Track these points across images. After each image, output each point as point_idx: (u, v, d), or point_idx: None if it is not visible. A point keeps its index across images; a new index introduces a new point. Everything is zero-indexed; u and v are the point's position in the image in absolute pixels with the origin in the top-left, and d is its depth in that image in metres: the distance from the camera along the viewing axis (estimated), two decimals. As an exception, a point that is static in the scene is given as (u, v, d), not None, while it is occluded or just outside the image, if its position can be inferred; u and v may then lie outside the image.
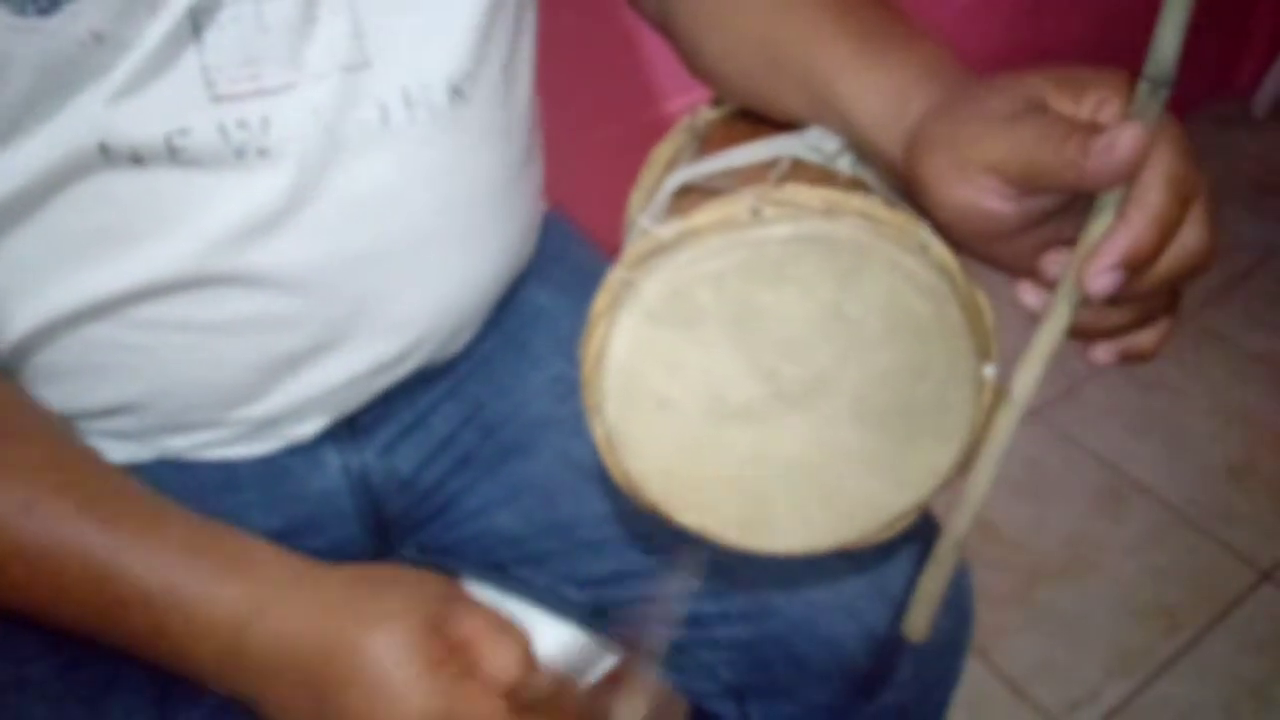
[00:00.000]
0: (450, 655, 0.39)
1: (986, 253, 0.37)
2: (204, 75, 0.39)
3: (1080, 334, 0.37)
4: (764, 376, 0.39)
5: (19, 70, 0.36)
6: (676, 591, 0.43)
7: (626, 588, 0.56)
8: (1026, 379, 0.36)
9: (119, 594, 0.40)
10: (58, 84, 0.37)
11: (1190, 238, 0.33)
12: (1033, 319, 0.36)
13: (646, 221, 0.39)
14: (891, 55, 0.40)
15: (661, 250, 0.37)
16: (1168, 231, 0.33)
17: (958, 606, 0.59)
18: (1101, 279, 0.33)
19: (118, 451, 0.49)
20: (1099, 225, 0.33)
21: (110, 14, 0.36)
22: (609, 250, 0.41)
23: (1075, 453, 1.33)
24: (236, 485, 0.52)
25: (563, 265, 0.62)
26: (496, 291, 0.55)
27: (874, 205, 0.37)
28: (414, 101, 0.44)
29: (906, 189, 0.38)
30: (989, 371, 0.39)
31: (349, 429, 0.54)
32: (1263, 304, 1.55)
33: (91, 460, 0.44)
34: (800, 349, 0.38)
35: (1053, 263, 0.35)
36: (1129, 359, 0.38)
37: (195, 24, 0.38)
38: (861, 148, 0.41)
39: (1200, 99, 1.92)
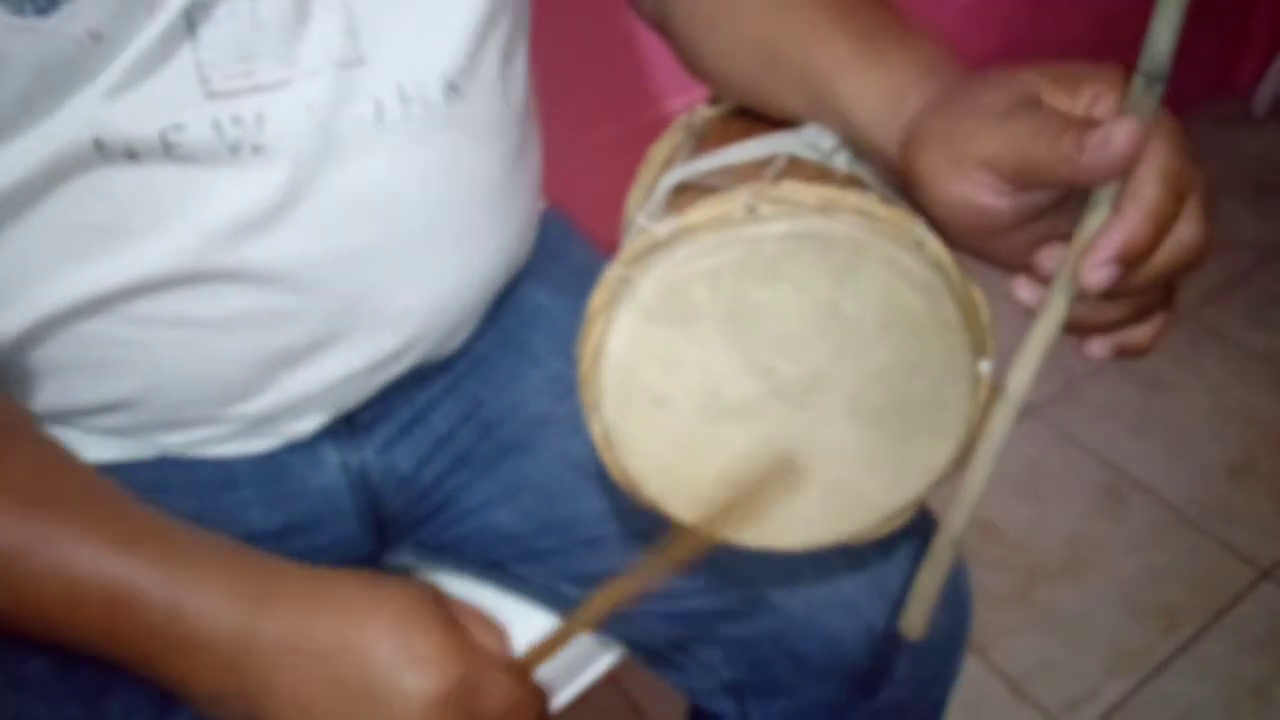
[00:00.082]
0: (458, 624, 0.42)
1: (982, 248, 0.37)
2: (199, 72, 0.39)
3: (1076, 329, 0.37)
4: (760, 374, 0.39)
5: (16, 69, 0.36)
6: (646, 571, 0.44)
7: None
8: (1022, 375, 0.36)
9: (105, 609, 0.40)
10: (54, 83, 0.37)
11: (1186, 232, 0.33)
12: (1028, 314, 0.36)
13: (643, 219, 0.39)
14: (889, 54, 0.40)
15: (658, 247, 0.37)
16: (1163, 226, 0.33)
17: (955, 604, 0.59)
18: (1097, 273, 0.33)
19: (114, 449, 0.49)
20: (1094, 220, 0.33)
21: (108, 13, 0.36)
22: (608, 249, 0.41)
23: (1075, 452, 1.33)
24: (235, 483, 0.52)
25: (561, 264, 0.62)
26: (494, 288, 0.55)
27: (870, 202, 0.37)
28: (409, 98, 0.44)
29: (903, 185, 0.38)
30: (985, 367, 0.39)
31: (347, 426, 0.54)
32: (1263, 303, 1.55)
33: (74, 471, 0.44)
34: (796, 346, 0.38)
35: (1048, 258, 0.35)
36: (1124, 354, 0.38)
37: (190, 21, 0.38)
38: (859, 145, 0.41)
39: (1200, 98, 1.92)
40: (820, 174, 0.41)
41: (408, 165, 0.45)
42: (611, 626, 0.58)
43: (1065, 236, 0.34)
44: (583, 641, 0.60)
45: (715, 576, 0.55)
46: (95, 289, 0.42)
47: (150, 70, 0.38)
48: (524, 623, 0.58)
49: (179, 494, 0.49)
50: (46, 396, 0.46)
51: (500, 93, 0.49)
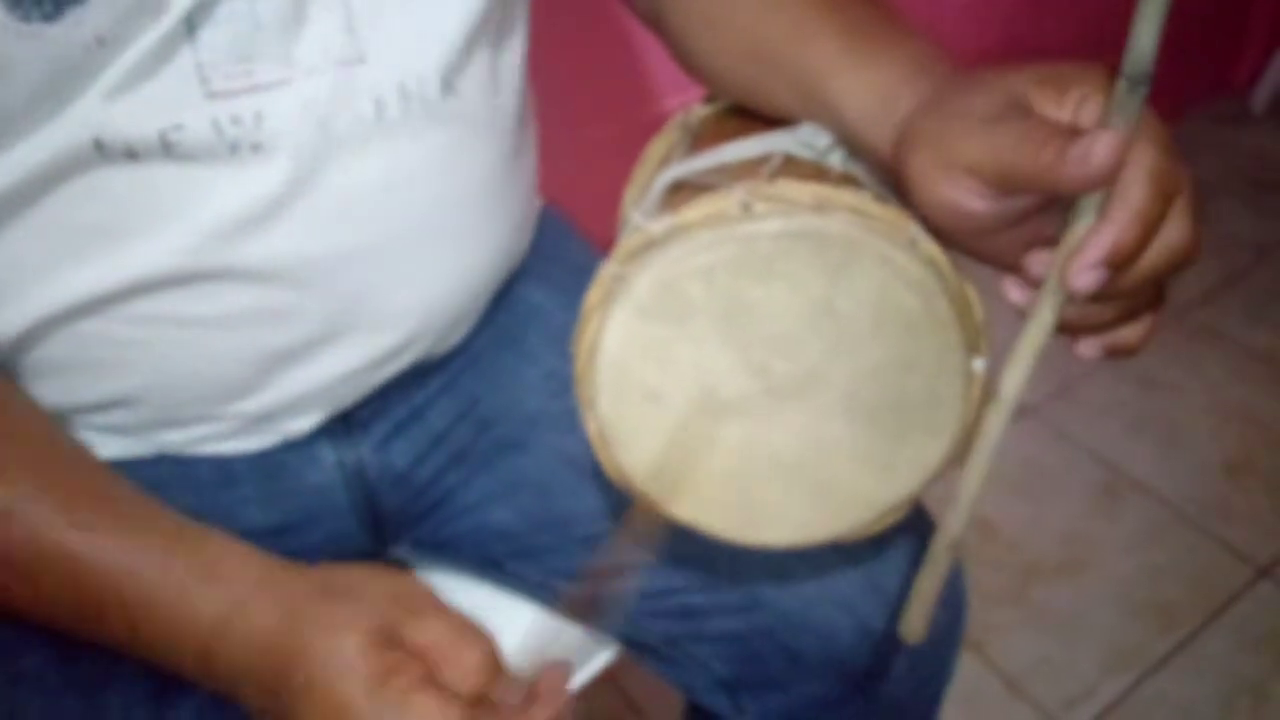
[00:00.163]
0: (403, 665, 0.37)
1: (972, 248, 0.37)
2: (199, 72, 0.39)
3: (1066, 329, 0.37)
4: (754, 371, 0.39)
5: (21, 74, 0.36)
6: (629, 559, 0.43)
7: (621, 582, 0.56)
8: (1014, 377, 0.36)
9: (96, 597, 0.40)
10: (58, 87, 0.37)
11: (1174, 233, 0.33)
12: (1022, 313, 0.36)
13: (639, 217, 0.39)
14: (882, 53, 0.40)
15: (652, 245, 0.37)
16: (1150, 227, 0.33)
17: (951, 602, 0.59)
18: (1085, 277, 0.33)
19: (114, 447, 0.50)
20: (1082, 223, 0.33)
21: (113, 18, 0.36)
22: (605, 247, 0.41)
23: (1072, 451, 1.33)
24: (233, 480, 0.52)
25: (558, 262, 0.62)
26: (491, 286, 0.55)
27: (864, 201, 0.37)
28: (410, 95, 0.44)
29: (896, 184, 0.38)
30: (979, 365, 0.39)
31: (344, 424, 0.54)
32: (1260, 301, 1.54)
33: (76, 460, 0.44)
34: (790, 344, 0.38)
35: (1037, 262, 0.35)
36: (1114, 354, 0.38)
37: (190, 23, 0.38)
38: (852, 144, 0.42)
39: (1198, 97, 1.92)
40: (815, 172, 0.41)
41: (406, 163, 0.45)
42: (608, 624, 0.59)
43: (1054, 239, 0.35)
44: (579, 640, 0.60)
45: (709, 573, 0.55)
46: (95, 288, 0.42)
47: (150, 72, 0.38)
48: (519, 621, 0.58)
49: (177, 491, 0.49)
50: (46, 395, 0.46)
51: (495, 89, 0.49)
